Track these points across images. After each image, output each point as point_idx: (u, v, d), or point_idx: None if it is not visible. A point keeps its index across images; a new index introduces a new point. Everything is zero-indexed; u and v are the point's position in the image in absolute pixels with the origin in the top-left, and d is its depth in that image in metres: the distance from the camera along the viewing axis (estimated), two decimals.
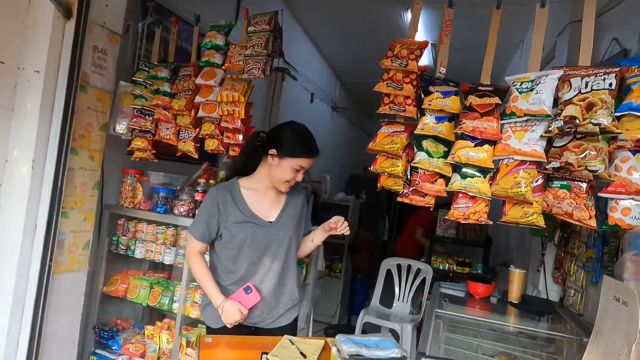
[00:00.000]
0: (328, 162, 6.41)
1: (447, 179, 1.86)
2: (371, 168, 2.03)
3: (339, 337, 1.47)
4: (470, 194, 1.79)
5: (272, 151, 1.68)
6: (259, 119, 4.49)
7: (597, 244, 2.28)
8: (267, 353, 1.53)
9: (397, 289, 4.21)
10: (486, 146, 1.74)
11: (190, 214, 2.59)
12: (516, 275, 2.78)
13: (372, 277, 4.87)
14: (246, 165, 1.79)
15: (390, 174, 1.96)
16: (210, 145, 2.44)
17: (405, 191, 1.94)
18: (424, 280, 4.09)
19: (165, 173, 2.76)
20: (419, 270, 4.17)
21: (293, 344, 1.62)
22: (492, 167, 1.74)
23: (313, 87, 6.01)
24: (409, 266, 4.19)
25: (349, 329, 4.86)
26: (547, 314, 2.55)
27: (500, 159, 1.76)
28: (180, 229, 2.64)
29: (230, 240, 1.67)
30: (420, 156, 1.85)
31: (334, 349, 1.47)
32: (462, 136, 1.79)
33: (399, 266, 4.24)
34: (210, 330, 1.79)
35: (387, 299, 4.21)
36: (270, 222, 1.73)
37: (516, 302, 2.69)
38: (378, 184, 2.07)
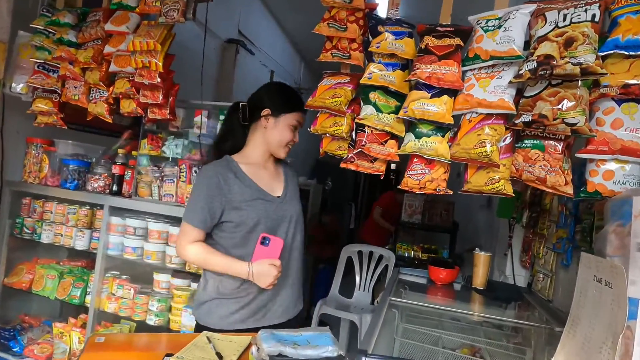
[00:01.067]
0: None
1: (400, 140, 1.54)
2: (311, 129, 1.69)
3: (261, 332, 1.15)
4: (427, 157, 1.47)
5: (266, 111, 1.52)
6: (209, 95, 4.07)
7: (569, 222, 2.03)
8: (171, 355, 1.18)
9: (357, 278, 3.91)
10: (445, 97, 1.43)
11: (106, 191, 2.18)
12: (481, 258, 2.50)
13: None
14: (233, 140, 1.57)
15: (333, 135, 1.63)
16: (126, 106, 2.04)
17: (350, 155, 1.60)
18: (387, 268, 3.80)
19: (79, 143, 2.33)
20: (381, 257, 3.87)
21: (210, 341, 1.28)
22: (452, 123, 1.43)
23: (273, 65, 5.61)
24: (371, 253, 3.89)
25: (308, 322, 4.55)
26: (515, 301, 2.30)
27: (461, 114, 1.45)
28: (98, 209, 2.23)
29: (239, 223, 1.42)
30: (367, 111, 1.51)
31: (252, 349, 1.14)
32: (417, 86, 1.47)
33: (360, 253, 3.94)
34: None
35: (349, 288, 3.92)
36: (278, 197, 1.53)
37: (481, 289, 2.43)
38: (320, 149, 1.73)
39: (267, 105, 1.52)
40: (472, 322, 1.92)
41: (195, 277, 2.14)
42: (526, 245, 2.82)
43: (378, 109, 1.52)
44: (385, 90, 1.54)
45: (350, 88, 1.60)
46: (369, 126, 1.54)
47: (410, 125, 1.54)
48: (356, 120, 1.53)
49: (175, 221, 2.18)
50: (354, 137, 1.60)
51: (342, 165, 1.64)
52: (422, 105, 1.44)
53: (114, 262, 2.27)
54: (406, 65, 1.53)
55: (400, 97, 1.57)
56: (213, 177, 1.41)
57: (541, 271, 2.40)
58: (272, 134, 1.52)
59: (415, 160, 1.55)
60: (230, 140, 1.56)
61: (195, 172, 2.13)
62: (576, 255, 1.79)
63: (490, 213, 3.91)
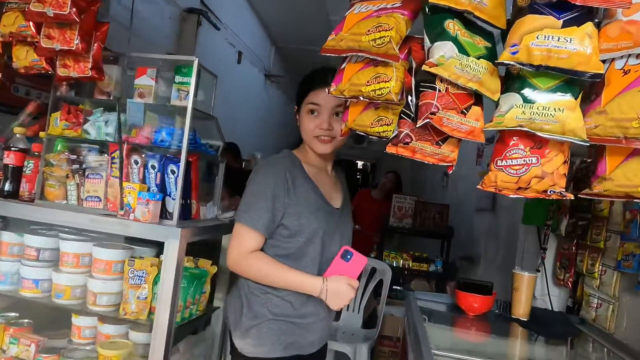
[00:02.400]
0: (259, 140, 5.34)
1: (489, 107, 0.88)
2: (331, 89, 1.00)
3: None
4: (542, 135, 0.83)
5: (295, 109, 1.35)
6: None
7: None
8: None
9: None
10: (588, 26, 0.79)
11: None
12: (524, 280, 1.94)
13: None
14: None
15: (371, 99, 0.95)
16: (22, 57, 1.28)
17: (405, 131, 0.93)
18: (381, 283, 3.17)
19: None
20: (373, 271, 3.23)
21: None
22: (602, 72, 0.79)
23: (241, 46, 4.86)
24: None
25: None
26: (570, 336, 1.76)
27: (610, 58, 0.82)
28: None
29: (296, 232, 1.23)
30: (445, 50, 0.84)
31: None
32: (533, 6, 0.82)
33: None
34: None
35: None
36: (338, 208, 1.34)
37: (525, 320, 1.85)
38: (342, 124, 1.05)
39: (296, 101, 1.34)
40: None
41: (136, 325, 1.39)
42: (564, 259, 2.27)
43: (462, 49, 0.85)
44: (464, 21, 0.88)
45: (404, 15, 0.93)
46: (445, 80, 0.87)
47: (513, 80, 0.88)
48: (425, 68, 0.85)
49: (105, 238, 1.42)
50: (410, 101, 0.93)
51: (390, 149, 0.96)
52: (547, 39, 0.79)
53: (4, 302, 1.47)
54: None
55: (488, 36, 0.92)
56: (280, 173, 1.21)
57: (595, 295, 1.87)
58: (301, 129, 1.30)
59: (514, 141, 0.90)
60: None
61: (136, 162, 1.37)
62: None
63: (494, 217, 3.42)
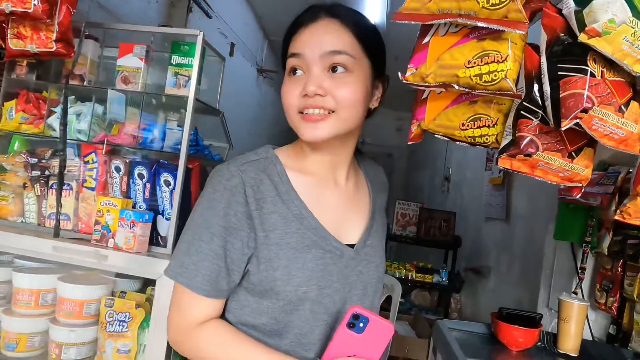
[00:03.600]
0: (251, 138, 4.99)
1: None
2: (406, 75, 0.68)
3: None
4: None
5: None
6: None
7: None
8: None
9: None
10: None
11: None
12: (575, 309, 1.67)
13: None
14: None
15: (474, 87, 0.63)
16: None
17: (528, 136, 0.62)
18: (389, 299, 2.89)
19: None
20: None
21: None
22: None
23: (234, 37, 4.51)
24: None
25: None
26: None
27: None
28: None
29: (269, 291, 0.69)
30: (613, 11, 0.53)
31: None
32: None
33: None
34: None
35: None
36: (352, 245, 0.75)
37: (575, 356, 1.58)
38: (412, 126, 0.73)
39: None
40: None
41: None
42: (606, 281, 2.03)
43: (637, 12, 0.55)
44: None
45: None
46: (600, 60, 0.56)
47: None
48: (584, 39, 0.54)
49: (73, 266, 1.06)
50: (537, 91, 0.62)
51: (503, 163, 0.65)
52: None
53: None
54: None
55: None
56: (238, 189, 0.68)
57: None
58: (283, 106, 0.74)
59: None
60: None
61: (118, 169, 1.03)
62: None
63: (508, 227, 3.20)
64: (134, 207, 1.03)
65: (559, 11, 0.62)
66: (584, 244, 2.06)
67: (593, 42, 0.54)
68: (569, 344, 1.59)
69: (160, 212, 1.02)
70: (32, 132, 1.09)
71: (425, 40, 0.70)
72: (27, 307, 1.04)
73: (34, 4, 0.87)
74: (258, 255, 0.68)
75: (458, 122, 0.71)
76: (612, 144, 0.61)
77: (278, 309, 0.69)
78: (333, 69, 0.67)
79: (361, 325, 0.66)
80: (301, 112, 0.68)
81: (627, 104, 0.59)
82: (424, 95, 0.75)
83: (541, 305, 2.34)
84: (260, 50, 5.75)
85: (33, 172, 1.07)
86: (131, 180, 1.03)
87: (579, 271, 2.07)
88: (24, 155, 1.08)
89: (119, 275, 1.13)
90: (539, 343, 1.69)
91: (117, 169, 1.03)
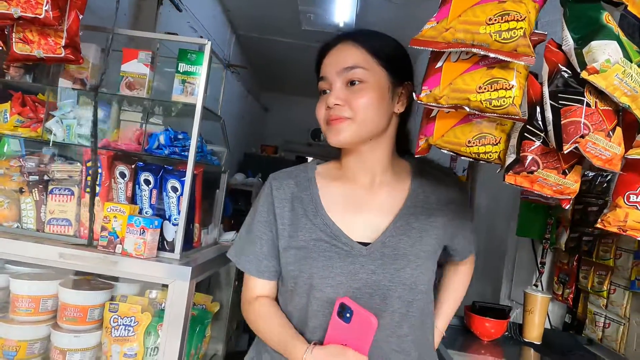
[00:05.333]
0: (217, 132, 4.90)
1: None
2: (422, 96, 0.74)
3: None
4: None
5: None
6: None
7: None
8: None
9: None
10: None
11: None
12: (538, 301, 1.82)
13: None
14: None
15: (484, 110, 0.71)
16: None
17: (530, 156, 0.70)
18: None
19: None
20: None
21: None
22: None
23: (203, 31, 4.42)
24: None
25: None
26: None
27: None
28: None
29: (291, 280, 0.81)
30: (608, 53, 0.62)
31: None
32: None
33: None
34: None
35: None
36: (365, 244, 0.78)
37: (538, 344, 1.73)
38: (420, 140, 0.80)
39: None
40: None
41: None
42: (563, 274, 2.21)
43: (625, 53, 0.64)
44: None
45: (535, 2, 0.70)
46: (594, 92, 0.65)
47: None
48: (585, 76, 0.62)
49: (68, 270, 1.06)
50: (539, 115, 0.70)
51: (509, 179, 0.73)
52: None
53: None
54: None
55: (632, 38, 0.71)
56: (267, 195, 0.85)
57: (602, 314, 1.80)
58: None
59: None
60: None
61: (123, 174, 1.03)
62: None
63: (472, 224, 3.35)
64: (140, 212, 1.03)
65: (559, 46, 0.71)
66: (543, 240, 2.23)
67: (592, 79, 0.63)
68: (534, 333, 1.73)
69: (167, 217, 1.04)
70: (29, 136, 1.07)
71: (439, 65, 0.76)
72: (27, 314, 1.02)
73: (45, 10, 0.86)
74: (279, 245, 0.82)
75: (465, 139, 0.78)
76: (600, 164, 0.71)
77: (288, 293, 0.81)
78: (351, 82, 0.77)
79: (347, 315, 0.72)
80: (327, 122, 0.78)
81: (613, 130, 0.69)
82: (433, 114, 0.81)
83: (503, 297, 2.50)
84: (228, 44, 5.66)
85: (31, 176, 1.05)
86: (137, 186, 1.03)
87: (539, 265, 2.24)
88: (20, 160, 1.06)
89: (116, 279, 1.13)
90: (507, 333, 1.82)
91: (122, 175, 1.03)
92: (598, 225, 0.79)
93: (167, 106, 1.06)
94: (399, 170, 0.85)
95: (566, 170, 0.74)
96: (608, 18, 0.66)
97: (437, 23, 0.73)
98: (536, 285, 2.27)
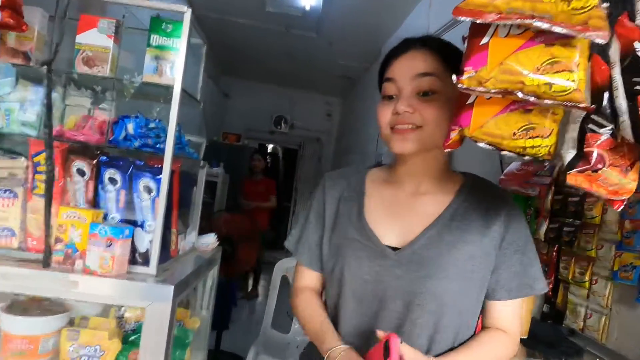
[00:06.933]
0: (194, 124, 4.64)
1: None
2: (463, 78, 0.61)
3: None
4: None
5: None
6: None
7: None
8: None
9: None
10: None
11: None
12: (525, 298, 1.78)
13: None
14: None
15: (540, 96, 0.59)
16: None
17: (598, 152, 0.59)
18: None
19: None
20: None
21: None
22: None
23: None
24: None
25: (223, 357, 3.41)
26: (574, 356, 1.67)
27: None
28: None
29: (328, 272, 0.87)
30: None
31: None
32: None
33: None
34: None
35: (280, 319, 2.89)
36: (395, 249, 0.79)
37: (524, 338, 1.74)
38: (451, 132, 0.67)
39: None
40: None
41: None
42: (543, 265, 2.21)
43: None
44: None
45: None
46: None
47: None
48: None
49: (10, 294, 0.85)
50: (620, 103, 0.59)
51: (571, 179, 0.62)
52: None
53: None
54: None
55: None
56: (320, 190, 0.91)
57: (583, 305, 1.82)
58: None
59: None
60: None
61: (81, 172, 0.83)
62: None
63: None
64: (105, 218, 0.84)
65: (633, 19, 0.60)
66: None
67: None
68: (522, 327, 1.71)
69: (140, 224, 0.85)
70: None
71: (484, 40, 0.63)
72: None
73: None
74: (323, 238, 0.87)
75: (509, 131, 0.66)
76: None
77: (335, 293, 0.83)
78: (424, 93, 0.76)
79: (385, 353, 0.69)
80: (392, 128, 0.78)
81: None
82: (470, 100, 0.69)
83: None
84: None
85: None
86: (100, 187, 0.84)
87: None
88: None
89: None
90: None
91: (80, 172, 0.83)
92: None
93: (137, 89, 0.86)
94: (448, 182, 0.83)
95: (628, 168, 0.64)
96: None
97: None
98: None
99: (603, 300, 1.62)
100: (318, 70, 6.00)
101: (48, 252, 0.76)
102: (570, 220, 1.84)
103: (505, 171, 1.88)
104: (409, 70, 0.77)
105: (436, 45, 0.79)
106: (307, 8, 3.90)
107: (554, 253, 1.98)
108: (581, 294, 1.75)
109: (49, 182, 0.77)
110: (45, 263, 0.76)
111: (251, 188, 4.56)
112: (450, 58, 0.77)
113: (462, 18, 0.61)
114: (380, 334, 0.72)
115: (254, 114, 6.81)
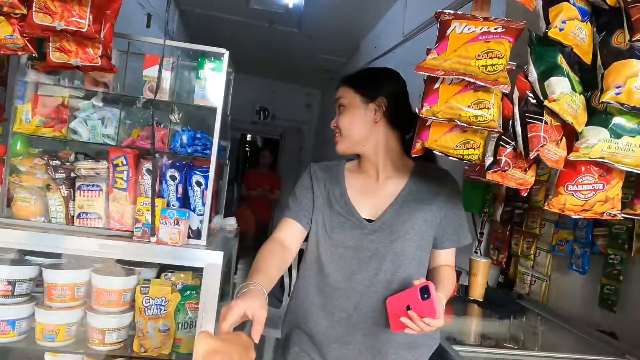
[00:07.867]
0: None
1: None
2: (423, 111, 0.95)
3: None
4: (620, 168, 0.94)
5: None
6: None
7: (583, 225, 1.79)
8: None
9: (286, 280, 3.23)
10: None
11: None
12: (480, 266, 2.15)
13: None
14: None
15: (471, 124, 0.94)
16: None
17: (505, 159, 0.95)
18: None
19: None
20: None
21: None
22: None
23: (149, 8, 4.25)
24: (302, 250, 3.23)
25: None
26: (519, 313, 2.02)
27: None
28: None
29: (313, 226, 1.11)
30: (562, 87, 0.87)
31: None
32: (634, 52, 0.89)
33: None
34: None
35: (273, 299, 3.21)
36: (370, 221, 1.07)
37: (481, 300, 2.08)
38: (416, 143, 1.02)
39: None
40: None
41: None
42: (498, 242, 2.60)
43: (572, 86, 0.89)
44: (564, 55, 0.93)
45: (510, 42, 0.93)
46: (554, 113, 0.90)
47: (598, 115, 0.96)
48: (547, 104, 0.87)
49: (92, 261, 1.16)
50: (517, 129, 0.94)
51: (489, 176, 0.97)
52: None
53: None
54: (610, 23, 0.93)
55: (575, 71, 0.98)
56: (307, 173, 1.15)
57: (529, 273, 2.20)
58: None
59: (587, 168, 0.99)
60: None
61: (149, 171, 1.14)
62: (595, 261, 1.64)
63: None
64: (167, 205, 1.15)
65: (526, 76, 0.95)
66: (482, 214, 2.59)
67: (551, 105, 0.88)
68: (477, 292, 2.06)
69: (192, 209, 1.17)
70: (53, 136, 1.13)
71: (436, 86, 0.98)
72: (63, 300, 1.11)
73: (87, 24, 0.93)
74: (313, 206, 1.09)
75: (453, 144, 1.01)
76: (551, 164, 0.96)
77: (316, 254, 1.07)
78: (338, 107, 1.10)
79: (425, 296, 0.89)
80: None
81: (561, 139, 0.95)
82: (428, 123, 1.03)
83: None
84: (171, 20, 5.45)
85: (57, 174, 1.12)
86: (164, 182, 1.15)
87: (479, 235, 2.61)
88: (45, 158, 1.12)
89: (135, 264, 1.25)
90: (457, 294, 2.15)
91: (149, 171, 1.14)
92: (545, 207, 1.06)
93: (187, 110, 1.17)
94: (402, 167, 1.10)
95: (527, 169, 0.99)
96: (562, 59, 0.91)
97: (438, 55, 0.94)
98: (476, 252, 2.65)
99: (544, 269, 1.97)
100: (299, 63, 6.20)
101: (152, 228, 1.09)
102: (520, 204, 2.18)
103: (468, 164, 2.24)
104: (336, 94, 1.11)
105: (349, 79, 1.11)
106: (290, 5, 4.13)
107: (507, 232, 2.34)
108: (527, 264, 2.09)
109: (153, 181, 1.10)
110: (152, 233, 1.09)
111: (255, 179, 5.01)
112: (352, 80, 1.10)
113: (422, 72, 0.95)
114: (417, 282, 0.91)
115: (236, 105, 6.95)
